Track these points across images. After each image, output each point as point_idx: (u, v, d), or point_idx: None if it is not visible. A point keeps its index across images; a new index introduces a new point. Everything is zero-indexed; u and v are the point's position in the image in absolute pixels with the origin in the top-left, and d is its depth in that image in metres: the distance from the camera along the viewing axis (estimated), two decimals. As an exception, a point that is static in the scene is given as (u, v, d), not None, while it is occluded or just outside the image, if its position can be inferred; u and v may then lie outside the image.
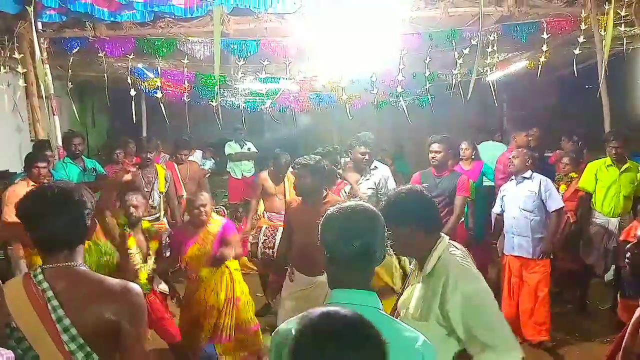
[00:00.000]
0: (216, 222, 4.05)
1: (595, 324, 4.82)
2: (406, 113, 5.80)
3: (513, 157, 4.60)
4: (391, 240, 1.98)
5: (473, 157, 5.98)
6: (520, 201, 4.49)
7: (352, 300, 1.48)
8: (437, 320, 1.92)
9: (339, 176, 4.62)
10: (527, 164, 4.52)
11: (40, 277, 1.66)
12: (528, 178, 4.50)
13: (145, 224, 4.07)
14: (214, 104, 6.04)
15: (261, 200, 5.27)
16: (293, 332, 1.17)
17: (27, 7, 4.17)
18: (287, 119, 8.84)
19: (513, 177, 4.62)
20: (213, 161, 9.25)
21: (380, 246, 1.56)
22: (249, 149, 8.11)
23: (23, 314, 1.60)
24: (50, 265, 1.69)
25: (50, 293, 1.63)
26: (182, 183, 6.22)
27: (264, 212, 5.26)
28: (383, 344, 1.14)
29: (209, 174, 8.02)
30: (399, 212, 1.99)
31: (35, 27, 4.40)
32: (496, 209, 4.79)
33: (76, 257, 1.73)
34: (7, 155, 4.95)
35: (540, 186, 4.43)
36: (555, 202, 4.42)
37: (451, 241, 2.12)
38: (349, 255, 1.50)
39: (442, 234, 2.09)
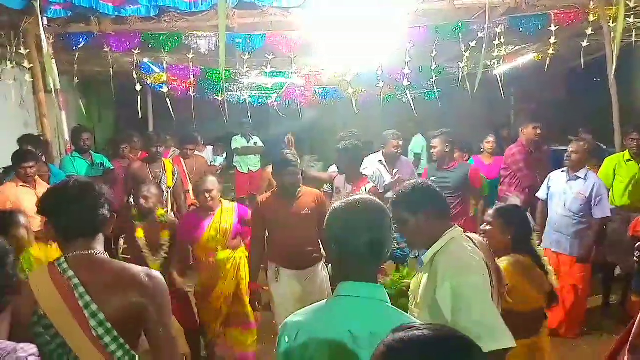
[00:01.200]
0: (230, 204, 4.01)
1: (605, 319, 4.77)
2: (412, 107, 5.76)
3: (572, 151, 4.40)
4: (404, 230, 2.03)
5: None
6: (567, 200, 4.37)
7: (359, 293, 1.48)
8: (432, 310, 1.94)
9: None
10: (583, 161, 4.34)
11: (65, 265, 1.70)
12: (582, 178, 4.33)
13: (159, 211, 4.00)
14: (219, 98, 6.02)
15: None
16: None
17: (32, 3, 4.20)
18: (293, 113, 8.81)
19: (565, 169, 4.48)
20: (225, 157, 9.19)
21: (388, 239, 1.55)
22: (255, 143, 8.09)
23: (50, 301, 1.65)
24: (73, 254, 1.73)
25: (76, 280, 1.67)
26: (188, 178, 6.22)
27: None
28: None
29: (220, 170, 7.94)
30: (414, 200, 2.06)
31: (41, 22, 4.41)
32: (541, 195, 4.66)
33: (97, 246, 1.78)
34: (14, 150, 4.95)
35: (593, 190, 4.26)
36: (603, 210, 4.28)
37: (468, 233, 2.14)
38: (358, 249, 1.49)
39: (455, 225, 2.11)
